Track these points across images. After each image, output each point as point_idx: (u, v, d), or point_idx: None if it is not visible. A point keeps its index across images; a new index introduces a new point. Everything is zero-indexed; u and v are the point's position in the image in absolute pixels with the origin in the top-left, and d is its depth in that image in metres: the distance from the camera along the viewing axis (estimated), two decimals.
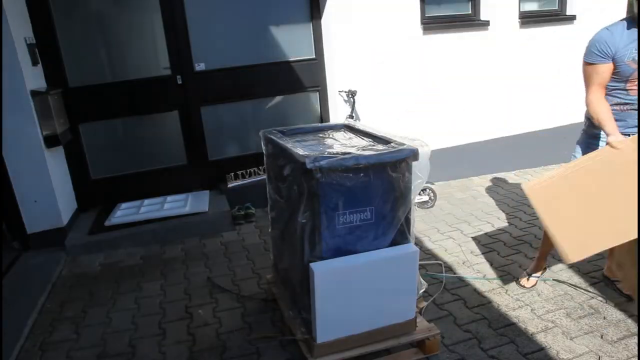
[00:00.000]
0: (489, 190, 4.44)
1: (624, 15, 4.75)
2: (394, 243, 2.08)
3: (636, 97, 2.30)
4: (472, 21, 4.53)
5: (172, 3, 3.81)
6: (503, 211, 3.91)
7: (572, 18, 4.87)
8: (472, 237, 3.44)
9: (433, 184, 4.13)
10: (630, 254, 2.32)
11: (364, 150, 1.97)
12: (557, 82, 4.92)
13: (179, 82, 3.97)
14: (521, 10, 4.69)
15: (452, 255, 3.18)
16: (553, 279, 2.81)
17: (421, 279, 2.30)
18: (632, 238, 2.01)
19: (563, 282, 2.78)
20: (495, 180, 4.70)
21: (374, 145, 2.11)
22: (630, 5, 2.32)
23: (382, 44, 4.21)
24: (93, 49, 3.80)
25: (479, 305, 2.60)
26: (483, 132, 4.74)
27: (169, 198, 4.00)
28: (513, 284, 2.78)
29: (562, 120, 5.01)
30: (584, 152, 2.45)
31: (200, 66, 3.99)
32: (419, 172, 2.07)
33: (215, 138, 4.21)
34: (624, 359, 2.14)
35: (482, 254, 3.18)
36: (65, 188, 3.71)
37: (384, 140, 2.17)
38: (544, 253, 2.73)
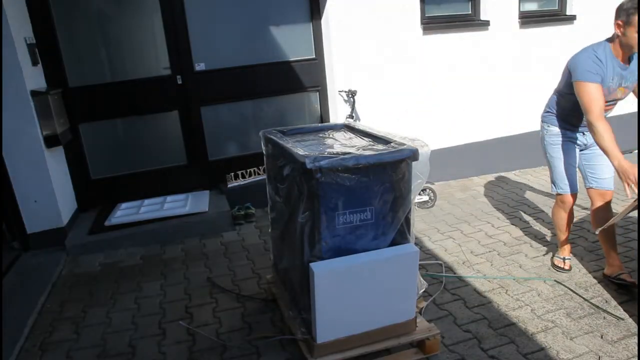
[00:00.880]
0: (489, 190, 4.44)
1: None
2: (394, 243, 2.08)
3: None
4: (472, 21, 4.53)
5: (172, 3, 3.82)
6: (503, 211, 3.91)
7: (572, 18, 4.87)
8: (472, 237, 3.45)
9: (433, 184, 4.13)
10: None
11: (364, 150, 1.97)
12: (557, 82, 4.92)
13: (179, 82, 3.97)
14: (521, 10, 4.69)
15: (452, 255, 3.18)
16: (554, 280, 2.81)
17: (421, 279, 2.30)
18: None
19: (563, 282, 2.78)
20: (495, 180, 4.70)
21: (374, 145, 2.11)
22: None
23: (382, 44, 4.21)
24: (93, 49, 3.81)
25: (479, 305, 2.60)
26: (483, 132, 4.74)
27: (169, 198, 4.00)
28: (513, 284, 2.78)
29: None
30: (566, 155, 2.71)
31: (200, 66, 3.99)
32: (419, 172, 2.07)
33: (215, 138, 4.21)
34: (624, 359, 2.14)
35: (482, 254, 3.18)
36: (65, 188, 3.71)
37: (384, 140, 2.17)
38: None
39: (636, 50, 2.34)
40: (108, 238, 3.52)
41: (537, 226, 3.57)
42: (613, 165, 2.28)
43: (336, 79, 4.20)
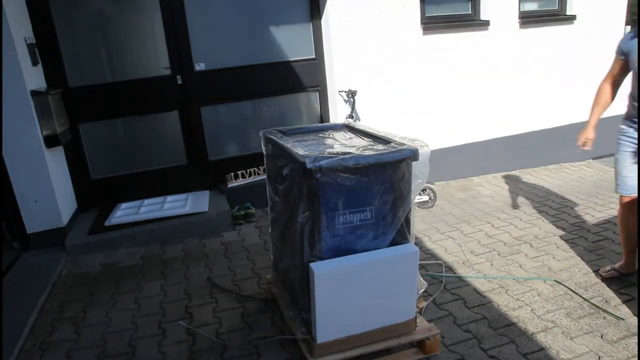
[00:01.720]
0: (488, 190, 4.44)
1: (623, 15, 4.76)
2: (394, 243, 2.08)
3: None
4: (472, 21, 4.53)
5: (172, 3, 3.81)
6: (503, 211, 3.91)
7: (572, 18, 4.87)
8: (472, 237, 3.45)
9: (433, 184, 4.13)
10: None
11: (364, 150, 1.97)
12: (557, 82, 4.93)
13: (179, 82, 3.97)
14: (521, 10, 4.69)
15: (452, 255, 3.18)
16: (554, 280, 2.81)
17: (421, 279, 2.30)
18: None
19: (562, 282, 2.78)
20: (495, 180, 4.70)
21: (374, 146, 2.11)
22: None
23: (382, 44, 4.21)
24: (93, 49, 3.81)
25: (479, 305, 2.60)
26: (483, 132, 4.74)
27: (169, 198, 4.00)
28: (513, 284, 2.79)
29: (562, 120, 5.01)
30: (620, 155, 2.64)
31: (200, 66, 3.99)
32: (419, 172, 2.07)
33: (215, 138, 4.21)
34: (624, 359, 2.14)
35: (482, 254, 3.18)
36: (65, 188, 3.71)
37: (384, 140, 2.17)
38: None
39: None
40: (108, 238, 3.52)
41: (537, 226, 3.57)
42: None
43: (336, 79, 4.20)
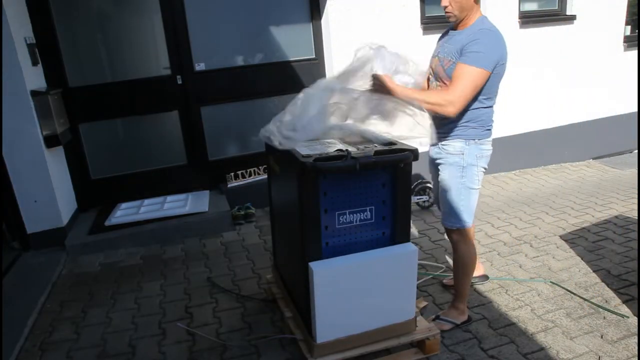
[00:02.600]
0: (488, 190, 4.44)
1: (623, 15, 4.75)
2: (393, 243, 2.08)
3: None
4: None
5: (172, 3, 3.81)
6: (503, 211, 3.91)
7: (572, 18, 4.87)
8: None
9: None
10: None
11: (364, 150, 1.97)
12: (557, 82, 4.93)
13: (179, 82, 3.97)
14: (521, 10, 4.69)
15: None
16: (550, 281, 2.81)
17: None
18: None
19: (562, 283, 2.78)
20: (495, 180, 4.70)
21: (373, 146, 2.11)
22: None
23: (382, 44, 4.20)
24: (93, 49, 3.81)
25: (479, 305, 2.60)
26: None
27: (169, 198, 4.00)
28: (513, 284, 2.78)
29: (562, 120, 5.01)
30: None
31: (200, 66, 3.99)
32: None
33: (215, 138, 4.21)
34: (624, 359, 2.14)
35: (482, 254, 3.18)
36: (65, 188, 3.71)
37: (384, 141, 2.17)
38: None
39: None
40: (108, 238, 3.52)
41: (537, 226, 3.57)
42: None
43: None
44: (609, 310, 2.47)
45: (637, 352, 2.17)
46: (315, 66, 4.30)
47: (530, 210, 3.88)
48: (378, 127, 2.14)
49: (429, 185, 4.05)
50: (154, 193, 4.08)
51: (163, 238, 3.62)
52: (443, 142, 2.28)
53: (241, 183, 4.14)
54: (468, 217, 2.30)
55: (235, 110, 4.24)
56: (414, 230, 3.56)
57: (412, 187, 3.81)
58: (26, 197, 3.35)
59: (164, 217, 3.69)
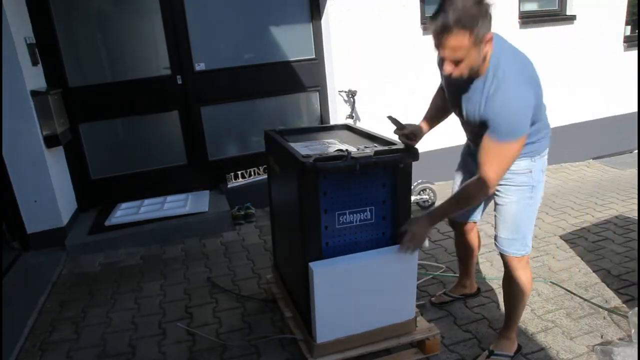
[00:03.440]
0: None
1: (623, 15, 4.73)
2: (393, 243, 2.08)
3: None
4: None
5: (172, 3, 3.81)
6: None
7: (572, 18, 4.87)
8: None
9: (433, 184, 4.12)
10: None
11: (364, 150, 1.97)
12: (557, 82, 4.92)
13: (179, 82, 3.97)
14: (521, 10, 4.69)
15: (452, 255, 3.18)
16: (551, 281, 2.81)
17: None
18: None
19: (561, 283, 2.78)
20: None
21: (373, 146, 2.11)
22: None
23: (382, 44, 4.21)
24: (93, 49, 3.81)
25: (479, 305, 2.60)
26: None
27: (169, 198, 4.00)
28: None
29: (562, 120, 5.01)
30: None
31: (200, 66, 3.99)
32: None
33: (215, 138, 4.21)
34: None
35: (482, 254, 3.18)
36: (65, 188, 3.71)
37: (384, 141, 2.17)
38: None
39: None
40: (108, 238, 3.52)
41: (537, 226, 3.57)
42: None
43: (336, 79, 4.20)
44: (609, 310, 2.47)
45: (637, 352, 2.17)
46: (315, 66, 4.31)
47: None
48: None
49: (429, 185, 4.05)
50: (154, 193, 4.08)
51: (163, 238, 3.62)
52: None
53: (241, 183, 4.14)
54: (531, 239, 2.04)
55: (235, 110, 4.24)
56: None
57: (412, 187, 3.80)
58: (26, 197, 3.35)
59: (164, 217, 3.69)
